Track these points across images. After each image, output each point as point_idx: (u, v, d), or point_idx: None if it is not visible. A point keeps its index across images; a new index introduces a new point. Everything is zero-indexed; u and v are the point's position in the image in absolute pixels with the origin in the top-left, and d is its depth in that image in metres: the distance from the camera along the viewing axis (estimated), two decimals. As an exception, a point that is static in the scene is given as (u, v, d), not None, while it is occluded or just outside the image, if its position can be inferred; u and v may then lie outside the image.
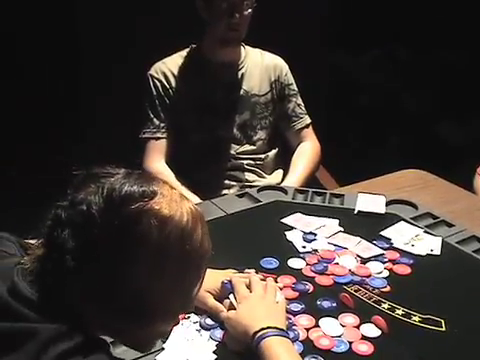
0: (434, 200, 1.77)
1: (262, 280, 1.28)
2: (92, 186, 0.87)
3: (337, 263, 1.43)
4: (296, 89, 2.16)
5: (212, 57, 2.02)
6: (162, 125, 2.01)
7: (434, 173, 1.95)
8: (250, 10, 1.93)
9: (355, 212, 1.66)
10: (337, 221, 1.61)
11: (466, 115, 3.20)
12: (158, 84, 2.01)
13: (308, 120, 2.17)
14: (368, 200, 1.71)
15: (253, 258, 1.42)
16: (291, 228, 1.57)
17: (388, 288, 1.35)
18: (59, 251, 0.85)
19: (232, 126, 2.05)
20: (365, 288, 1.35)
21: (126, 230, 0.84)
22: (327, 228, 1.57)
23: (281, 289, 1.30)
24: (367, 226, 1.59)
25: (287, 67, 2.14)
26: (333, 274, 1.39)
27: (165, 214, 0.87)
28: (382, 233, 1.56)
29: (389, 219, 1.63)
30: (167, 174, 1.97)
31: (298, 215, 1.63)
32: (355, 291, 1.33)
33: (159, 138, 2.01)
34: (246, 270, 1.33)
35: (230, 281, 1.25)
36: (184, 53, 2.06)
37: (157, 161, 2.00)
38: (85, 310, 0.86)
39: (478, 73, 3.13)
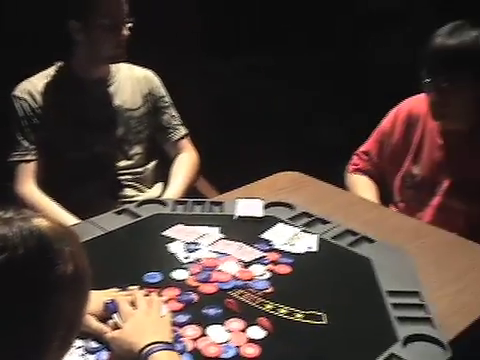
0: (309, 199, 1.82)
1: (146, 295, 1.27)
2: None
3: (220, 270, 1.45)
4: (169, 101, 2.17)
5: (83, 74, 1.99)
6: (32, 147, 1.95)
7: (310, 174, 2.02)
8: (130, 25, 1.93)
9: (235, 218, 1.69)
10: (218, 228, 1.62)
11: (338, 116, 3.33)
12: (24, 104, 1.94)
13: (184, 131, 2.18)
14: (247, 205, 1.74)
15: (136, 274, 1.41)
16: (173, 240, 1.57)
17: (271, 289, 1.38)
18: None
19: (107, 142, 2.03)
20: (249, 291, 1.37)
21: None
22: (208, 236, 1.59)
23: (166, 302, 1.30)
24: (247, 230, 1.62)
25: (158, 80, 2.15)
26: (217, 281, 1.40)
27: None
28: (262, 236, 1.60)
29: (268, 222, 1.67)
30: (38, 197, 1.92)
31: (179, 226, 1.64)
32: (239, 295, 1.35)
33: (29, 160, 1.95)
34: (129, 287, 1.32)
35: (113, 300, 1.23)
36: (51, 71, 2.01)
37: (28, 184, 1.94)
38: None
39: (349, 74, 3.28)
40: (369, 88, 3.29)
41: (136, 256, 1.52)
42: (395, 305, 1.32)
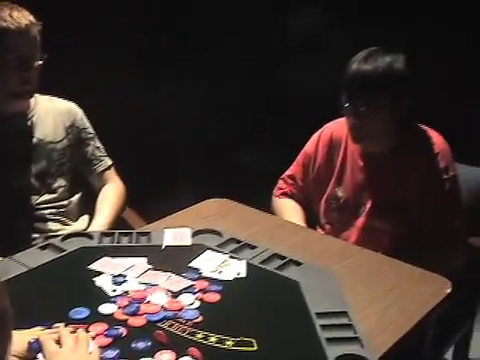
0: (236, 226, 1.84)
1: (73, 332, 1.24)
2: None
3: (149, 301, 1.43)
4: (93, 132, 2.14)
5: (0, 108, 1.95)
6: None
7: (236, 200, 2.04)
8: (40, 62, 1.89)
9: (162, 248, 1.68)
10: (145, 259, 1.60)
11: (261, 142, 3.37)
12: None
13: (109, 162, 2.17)
14: (174, 234, 1.73)
15: (62, 311, 1.37)
16: (99, 273, 1.54)
17: (200, 318, 1.36)
18: None
19: (29, 176, 1.98)
20: (178, 322, 1.35)
21: None
22: (136, 268, 1.57)
23: (94, 338, 1.27)
24: (175, 260, 1.61)
25: (81, 111, 2.13)
26: (146, 313, 1.38)
27: None
28: (190, 264, 1.59)
29: (196, 250, 1.66)
30: None
31: (106, 259, 1.61)
32: (169, 326, 1.34)
33: None
34: (55, 325, 1.28)
35: (37, 339, 1.19)
36: None
37: None
38: None
39: (268, 101, 3.34)
40: (290, 114, 3.36)
41: (62, 292, 1.48)
42: (324, 326, 1.34)
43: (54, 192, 2.02)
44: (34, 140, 1.99)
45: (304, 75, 3.27)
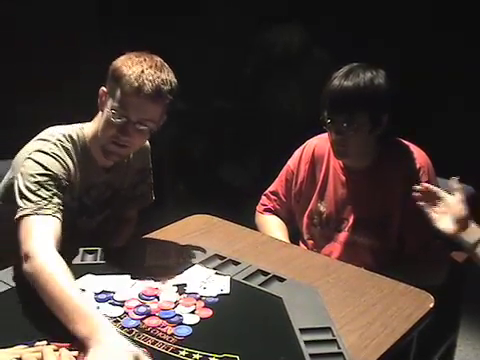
0: (220, 242, 1.84)
1: (55, 350, 1.23)
2: None
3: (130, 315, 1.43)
4: (151, 167, 1.99)
5: (95, 155, 1.75)
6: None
7: (220, 216, 2.04)
8: (145, 129, 1.66)
9: (146, 265, 1.67)
10: (129, 276, 1.60)
11: (244, 158, 3.39)
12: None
13: (152, 198, 2.03)
14: (157, 251, 1.73)
15: (44, 329, 1.36)
16: (82, 291, 1.53)
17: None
18: None
19: (92, 224, 1.85)
20: (162, 339, 1.35)
21: None
22: (119, 285, 1.56)
23: (76, 357, 1.26)
24: (159, 276, 1.60)
25: (149, 148, 1.94)
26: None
27: None
28: (175, 280, 1.58)
29: (180, 266, 1.65)
30: None
31: (88, 276, 1.60)
32: (152, 344, 1.33)
33: None
34: (37, 343, 1.27)
35: (20, 358, 1.18)
36: (73, 134, 1.74)
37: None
38: None
39: (249, 119, 3.36)
40: (273, 130, 3.38)
41: (43, 310, 1.46)
42: (308, 342, 1.34)
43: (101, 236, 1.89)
44: (111, 191, 1.86)
45: (286, 91, 3.30)
